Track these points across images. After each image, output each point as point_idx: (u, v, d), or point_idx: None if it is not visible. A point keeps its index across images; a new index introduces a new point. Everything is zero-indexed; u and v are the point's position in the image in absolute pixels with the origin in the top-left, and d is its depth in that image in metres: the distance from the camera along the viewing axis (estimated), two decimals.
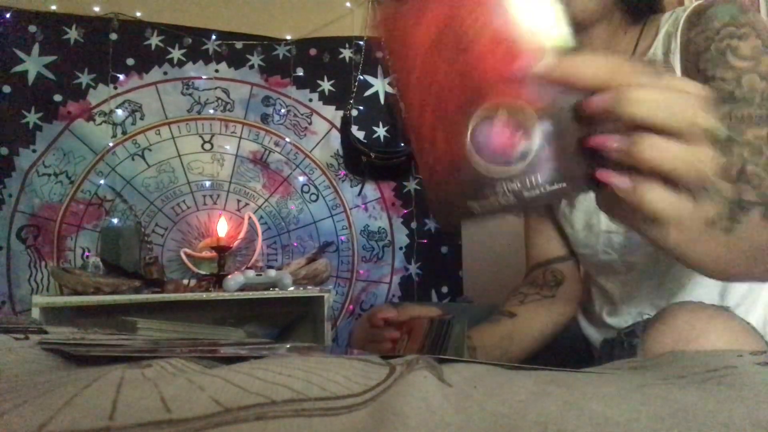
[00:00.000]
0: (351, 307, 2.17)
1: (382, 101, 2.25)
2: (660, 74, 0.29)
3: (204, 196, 2.09)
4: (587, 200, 0.77)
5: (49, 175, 1.91)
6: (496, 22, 0.30)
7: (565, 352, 0.86)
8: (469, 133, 0.30)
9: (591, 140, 0.28)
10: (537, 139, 0.29)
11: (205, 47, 2.11)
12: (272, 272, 1.81)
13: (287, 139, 2.19)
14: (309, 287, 1.91)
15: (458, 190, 0.31)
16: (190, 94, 2.10)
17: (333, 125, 2.22)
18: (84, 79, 1.97)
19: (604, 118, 0.28)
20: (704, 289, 0.72)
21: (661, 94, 0.27)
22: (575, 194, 0.30)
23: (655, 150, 0.27)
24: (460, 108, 0.30)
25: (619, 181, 0.29)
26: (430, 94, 0.31)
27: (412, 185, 2.25)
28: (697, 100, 0.28)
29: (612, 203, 0.32)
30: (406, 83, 0.32)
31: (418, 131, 0.32)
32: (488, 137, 0.30)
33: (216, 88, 2.12)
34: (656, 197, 0.28)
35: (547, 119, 0.29)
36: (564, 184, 0.30)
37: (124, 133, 2.01)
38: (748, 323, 0.49)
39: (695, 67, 0.63)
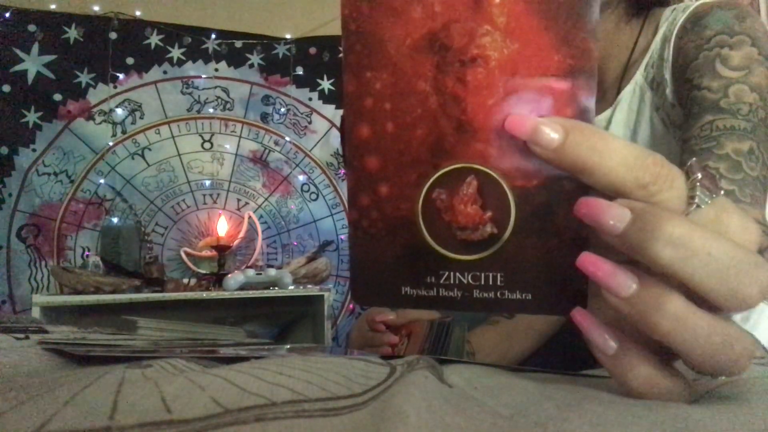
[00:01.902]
0: (351, 306, 2.17)
1: None
2: (717, 201, 0.20)
3: (204, 195, 2.09)
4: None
5: (49, 174, 1.91)
6: (513, 45, 0.21)
7: (566, 353, 0.86)
8: (423, 192, 0.23)
9: (584, 260, 0.20)
10: (510, 226, 0.22)
11: (204, 46, 2.11)
12: (272, 271, 1.81)
13: (287, 138, 2.19)
14: (309, 286, 1.91)
15: (392, 266, 0.24)
16: (189, 93, 2.10)
17: (333, 124, 2.22)
18: (83, 78, 1.97)
19: (616, 245, 0.20)
20: None
21: (705, 241, 0.18)
22: (539, 314, 0.23)
23: (676, 323, 0.19)
24: (425, 147, 0.22)
25: (601, 339, 0.21)
26: (397, 111, 0.22)
27: None
28: (751, 258, 0.19)
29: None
30: (365, 88, 0.23)
31: (360, 162, 0.23)
32: (447, 206, 0.23)
33: (216, 87, 2.12)
34: (643, 375, 0.20)
35: (531, 205, 0.22)
36: (529, 296, 0.22)
37: (123, 132, 2.01)
38: (752, 335, 0.49)
39: (683, 77, 0.61)
